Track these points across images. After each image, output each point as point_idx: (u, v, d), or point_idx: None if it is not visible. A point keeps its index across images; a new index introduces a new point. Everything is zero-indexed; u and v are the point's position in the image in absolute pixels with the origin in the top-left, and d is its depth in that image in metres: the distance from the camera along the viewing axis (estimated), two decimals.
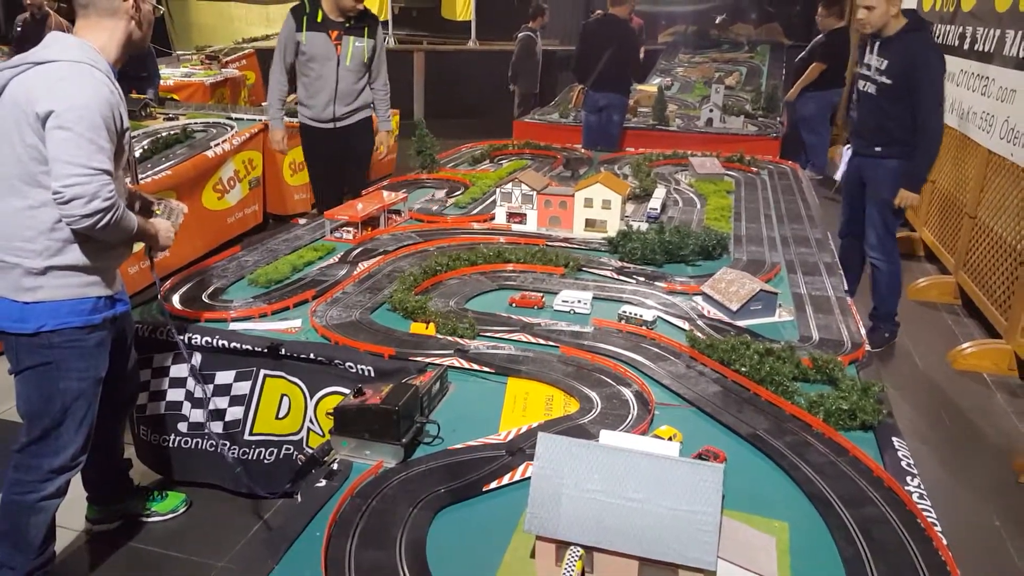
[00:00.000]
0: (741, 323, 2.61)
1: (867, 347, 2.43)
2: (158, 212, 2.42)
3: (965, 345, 4.20)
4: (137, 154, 4.68)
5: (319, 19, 4.12)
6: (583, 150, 5.69)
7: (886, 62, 3.84)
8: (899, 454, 1.87)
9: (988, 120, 4.79)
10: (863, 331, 2.57)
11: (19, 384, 2.13)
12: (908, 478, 1.77)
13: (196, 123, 5.84)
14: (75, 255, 2.05)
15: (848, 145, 4.35)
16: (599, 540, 1.33)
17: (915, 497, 1.68)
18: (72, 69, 1.96)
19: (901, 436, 1.96)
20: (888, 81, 3.83)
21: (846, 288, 2.99)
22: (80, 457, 2.20)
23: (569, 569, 1.23)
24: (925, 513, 1.62)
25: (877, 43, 3.92)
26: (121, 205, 2.01)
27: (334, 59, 4.15)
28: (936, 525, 1.58)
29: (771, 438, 1.91)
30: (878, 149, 4.00)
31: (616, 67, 6.40)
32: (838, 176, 4.46)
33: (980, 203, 4.85)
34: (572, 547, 1.30)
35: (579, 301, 2.71)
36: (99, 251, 2.09)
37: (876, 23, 3.81)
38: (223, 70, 8.74)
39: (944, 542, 1.52)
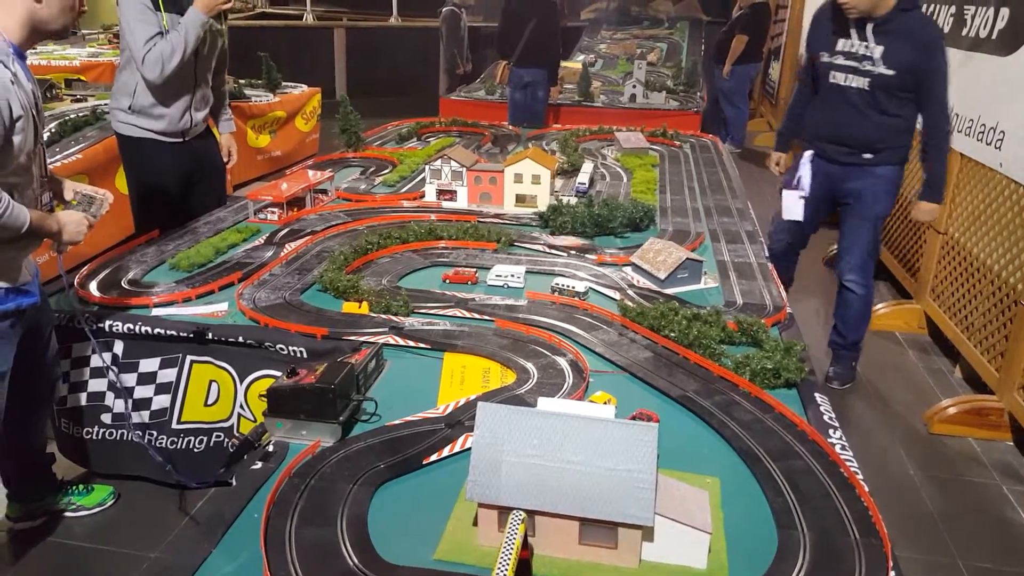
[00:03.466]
0: (669, 291, 2.68)
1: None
2: (74, 203, 2.23)
3: (879, 306, 4.42)
4: (45, 137, 4.08)
5: None
6: (510, 127, 5.69)
7: (881, 48, 3.12)
8: (821, 409, 1.96)
9: None
10: (784, 295, 2.68)
11: None
12: (831, 431, 1.86)
13: (105, 104, 5.54)
14: None
15: (810, 152, 3.50)
16: (540, 503, 1.35)
17: (838, 449, 1.77)
18: None
19: (823, 392, 2.06)
20: (889, 72, 3.12)
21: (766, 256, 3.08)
22: None
23: (512, 533, 1.25)
24: (848, 463, 1.71)
25: (869, 25, 3.14)
26: (3, 202, 1.86)
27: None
28: (858, 474, 1.67)
29: (700, 399, 1.97)
30: (868, 156, 3.31)
31: (539, 43, 6.40)
32: (801, 191, 3.48)
33: None
34: (515, 511, 1.31)
35: (512, 275, 2.72)
36: None
37: (864, 3, 3.09)
38: None
39: (866, 489, 1.61)
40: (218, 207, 3.53)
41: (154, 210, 3.35)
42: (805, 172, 3.48)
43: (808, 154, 3.50)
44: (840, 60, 3.26)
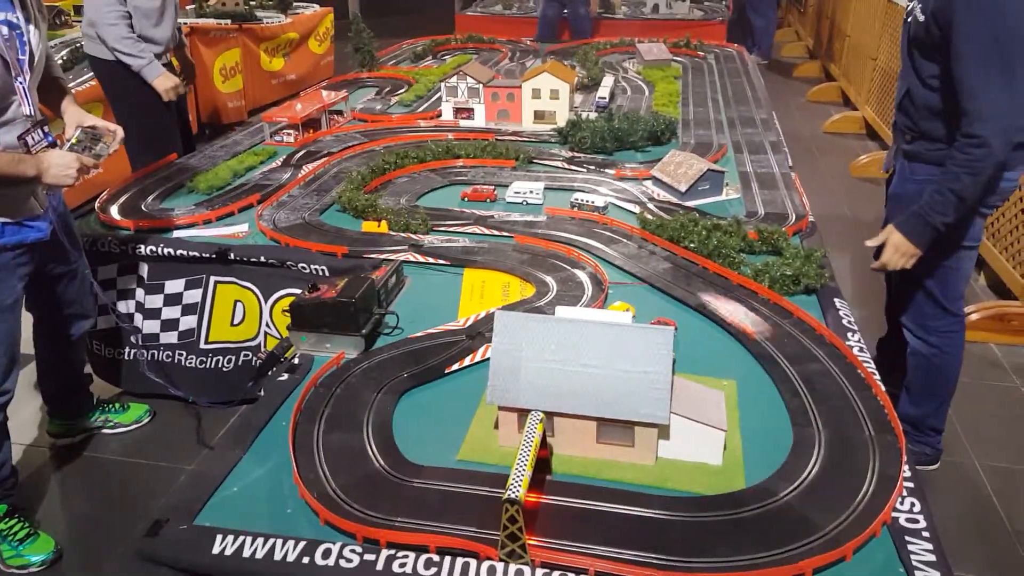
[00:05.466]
0: (690, 203, 2.65)
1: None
2: (74, 141, 2.08)
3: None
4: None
5: None
6: (529, 42, 5.53)
7: None
8: (840, 313, 1.95)
9: None
10: (807, 203, 2.63)
11: None
12: (849, 334, 1.85)
13: None
14: None
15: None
16: (558, 405, 1.38)
17: (855, 351, 1.77)
18: None
19: (843, 297, 2.05)
20: (921, 17, 2.04)
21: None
22: (3, 385, 2.07)
23: (530, 432, 1.28)
24: (865, 364, 1.71)
25: None
26: None
27: None
28: (875, 375, 1.68)
29: (719, 306, 1.97)
30: (908, 144, 2.22)
31: None
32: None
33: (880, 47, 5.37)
34: (533, 412, 1.34)
35: (531, 192, 2.70)
36: None
37: None
38: None
39: (883, 389, 1.62)
40: (187, 138, 3.43)
41: (156, 140, 3.16)
42: (889, 153, 2.45)
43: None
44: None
